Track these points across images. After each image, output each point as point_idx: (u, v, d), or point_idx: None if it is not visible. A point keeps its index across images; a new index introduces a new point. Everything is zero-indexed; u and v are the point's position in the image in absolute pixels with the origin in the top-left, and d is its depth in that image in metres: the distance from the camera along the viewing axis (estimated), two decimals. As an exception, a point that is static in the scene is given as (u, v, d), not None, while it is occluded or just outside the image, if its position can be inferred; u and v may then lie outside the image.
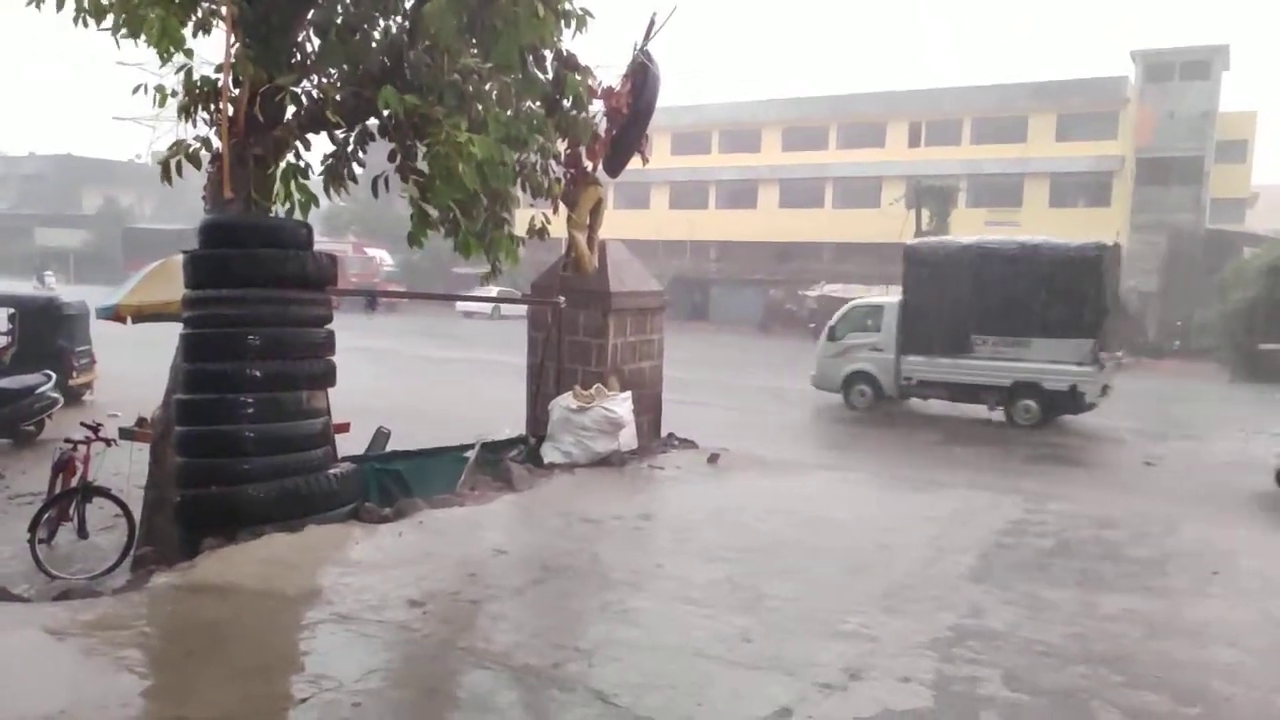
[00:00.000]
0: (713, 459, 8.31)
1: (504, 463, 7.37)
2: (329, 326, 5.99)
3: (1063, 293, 14.74)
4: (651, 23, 7.66)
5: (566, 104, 6.68)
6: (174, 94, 5.74)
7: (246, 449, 5.47)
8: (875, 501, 7.27)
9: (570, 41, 6.66)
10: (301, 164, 6.08)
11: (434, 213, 6.53)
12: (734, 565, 5.22)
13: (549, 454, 7.72)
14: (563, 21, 6.33)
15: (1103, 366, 14.77)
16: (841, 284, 38.47)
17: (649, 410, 9.00)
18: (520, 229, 7.06)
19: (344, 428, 7.27)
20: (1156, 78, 41.05)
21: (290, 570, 4.85)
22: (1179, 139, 40.56)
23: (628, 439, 8.03)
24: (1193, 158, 40.71)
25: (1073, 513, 7.23)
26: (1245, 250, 35.76)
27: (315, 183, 6.85)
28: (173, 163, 5.72)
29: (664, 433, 9.26)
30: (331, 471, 5.84)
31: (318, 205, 5.95)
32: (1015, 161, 39.85)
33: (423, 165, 6.06)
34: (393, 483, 7.23)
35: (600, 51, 7.20)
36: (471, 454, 7.50)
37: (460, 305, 38.11)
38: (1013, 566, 5.57)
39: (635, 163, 8.12)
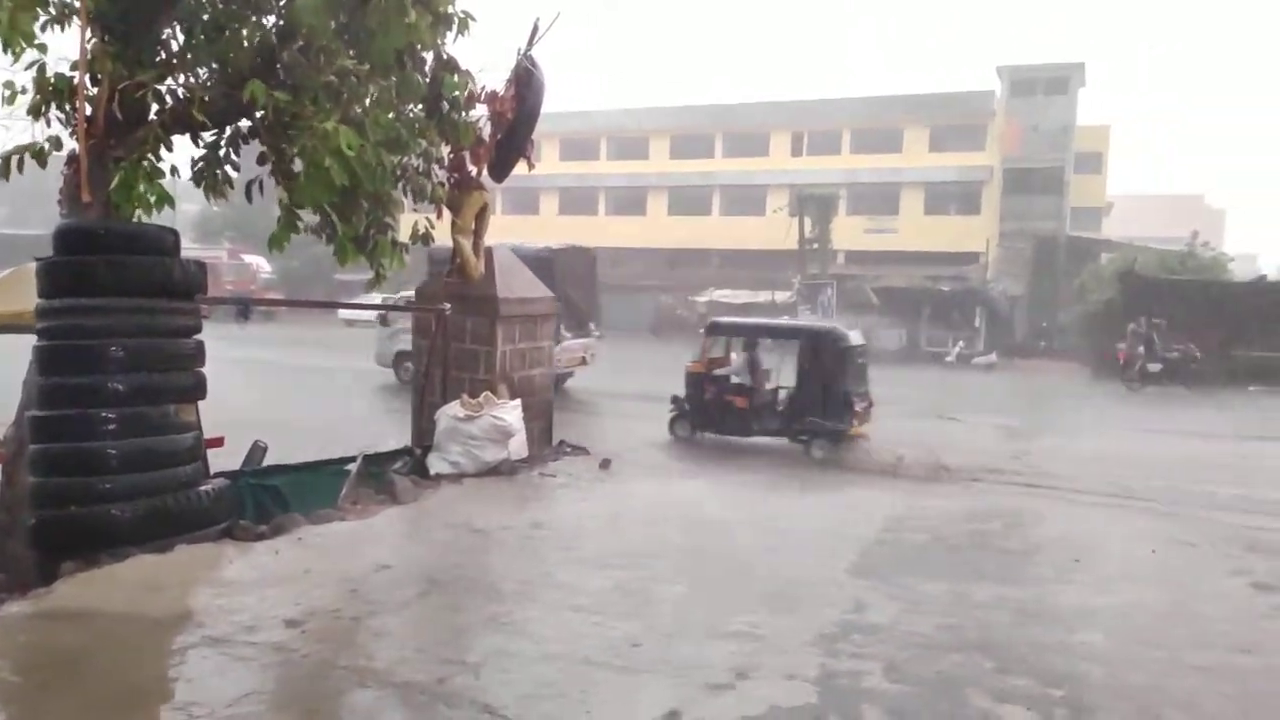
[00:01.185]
0: (605, 465, 8.31)
1: (388, 475, 7.19)
2: (198, 337, 5.71)
3: None
4: (535, 28, 7.63)
5: (447, 107, 6.57)
6: (23, 91, 5.38)
7: (108, 467, 5.16)
8: (762, 502, 7.41)
9: (452, 45, 6.58)
10: (167, 165, 5.79)
11: (314, 217, 6.33)
12: (624, 571, 5.23)
13: (436, 465, 7.57)
14: (443, 24, 6.24)
15: (557, 342, 18.40)
16: (730, 289, 39.18)
17: (539, 417, 8.93)
18: (405, 234, 6.91)
19: (217, 442, 6.94)
20: (1020, 93, 43.34)
21: (157, 593, 4.60)
22: (1041, 151, 42.93)
23: (518, 447, 7.95)
24: (1054, 168, 43.15)
25: (947, 508, 7.53)
26: (1102, 256, 38.14)
27: (186, 186, 6.56)
28: (13, 160, 5.36)
29: (555, 440, 9.22)
30: (203, 488, 5.57)
31: (172, 206, 5.67)
32: (892, 171, 41.40)
33: (297, 167, 5.86)
34: (270, 499, 6.95)
35: (487, 56, 7.12)
36: (353, 467, 7.28)
37: (343, 313, 37.10)
38: (892, 561, 5.76)
39: (521, 168, 8.07)
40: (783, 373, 12.78)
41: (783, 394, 12.17)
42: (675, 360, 15.61)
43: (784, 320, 16.27)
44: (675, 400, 12.46)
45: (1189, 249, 33.32)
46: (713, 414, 11.97)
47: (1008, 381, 26.72)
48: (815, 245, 34.66)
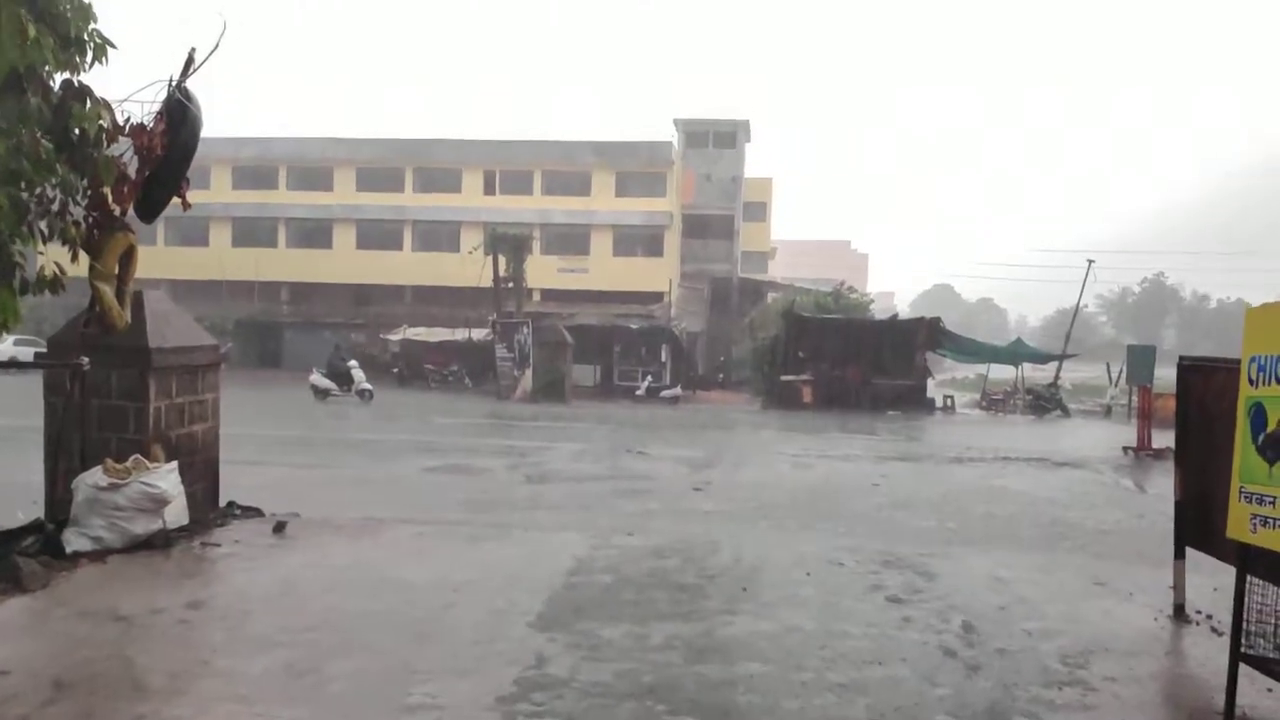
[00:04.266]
0: (279, 528, 7.73)
1: (11, 558, 6.18)
2: None
3: None
4: (190, 58, 7.03)
5: (80, 139, 5.87)
6: None
7: None
8: (449, 556, 7.25)
9: (89, 73, 5.92)
10: None
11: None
12: (295, 649, 4.86)
13: (73, 541, 6.62)
14: (74, 49, 5.59)
15: None
16: (425, 327, 38.48)
17: (203, 479, 8.15)
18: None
19: None
20: (695, 144, 46.95)
21: None
22: (715, 199, 46.73)
23: (176, 515, 7.18)
24: (726, 215, 47.10)
25: (633, 545, 7.83)
26: (769, 296, 42.10)
27: None
28: None
29: (223, 502, 8.45)
30: None
31: None
32: (582, 213, 43.03)
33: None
34: None
35: (138, 85, 6.48)
36: (-37, 551, 6.18)
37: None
38: (577, 608, 5.86)
39: (176, 205, 7.38)
40: None
41: None
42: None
43: None
44: None
45: (839, 291, 37.69)
46: None
47: (691, 413, 28.55)
48: (510, 283, 35.04)
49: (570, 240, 43.41)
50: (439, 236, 43.89)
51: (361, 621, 5.41)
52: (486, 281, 34.98)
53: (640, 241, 43.77)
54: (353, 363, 28.91)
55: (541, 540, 8.07)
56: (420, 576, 6.51)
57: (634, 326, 36.91)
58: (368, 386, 27.83)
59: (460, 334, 36.87)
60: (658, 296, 40.79)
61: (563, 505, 11.24)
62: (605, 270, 42.50)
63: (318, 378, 27.94)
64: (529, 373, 31.61)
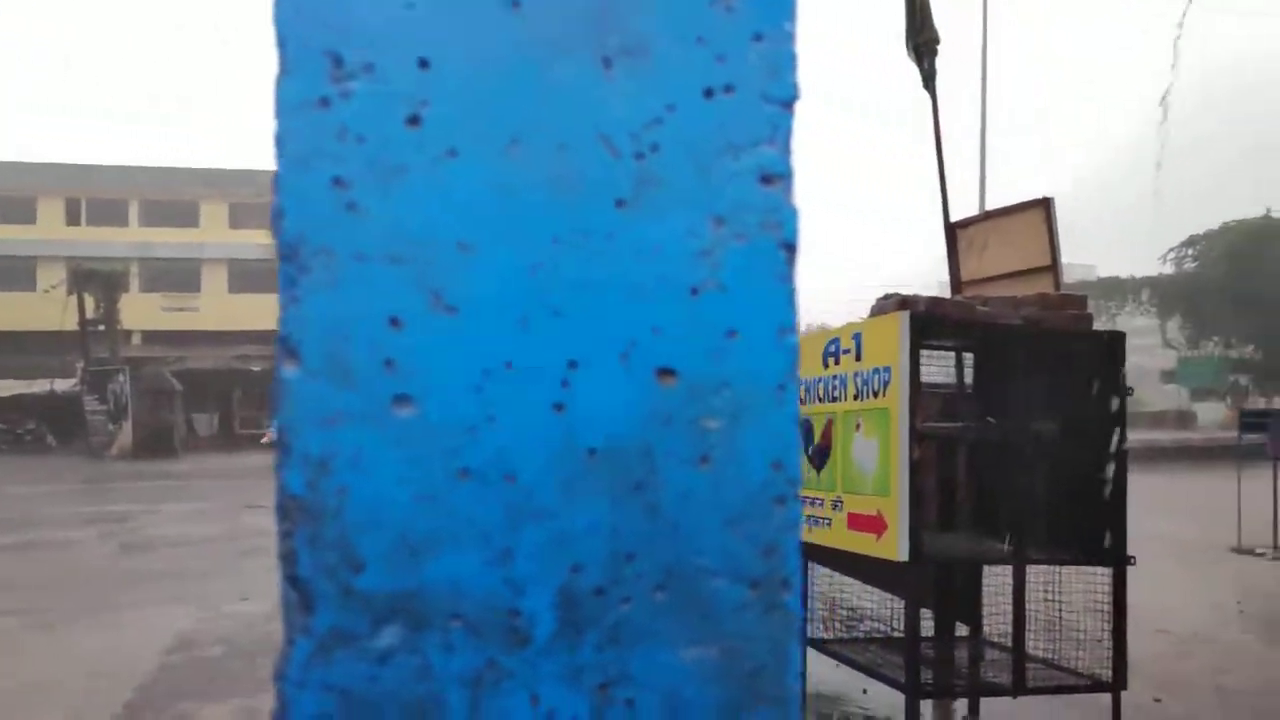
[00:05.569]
0: None
1: None
2: None
3: None
4: None
5: None
6: None
7: None
8: (18, 653, 6.24)
9: None
10: None
11: None
12: None
13: None
14: None
15: None
16: (-9, 379, 32.78)
17: None
18: None
19: None
20: (317, 175, 44.92)
21: None
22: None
23: None
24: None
25: (249, 611, 7.26)
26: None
27: None
28: None
29: None
30: None
31: None
32: (191, 246, 39.31)
33: None
34: None
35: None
36: None
37: None
38: (174, 690, 5.32)
39: None
40: None
41: None
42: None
43: None
44: None
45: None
46: None
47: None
48: (101, 326, 30.94)
49: (177, 276, 39.39)
50: (9, 273, 37.64)
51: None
52: (71, 324, 30.61)
53: (262, 276, 40.78)
54: None
55: (136, 619, 7.23)
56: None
57: (256, 369, 34.34)
58: None
59: (39, 385, 31.88)
60: (283, 335, 38.34)
61: (167, 575, 10.11)
62: (221, 308, 39.09)
63: None
64: (128, 426, 28.09)
